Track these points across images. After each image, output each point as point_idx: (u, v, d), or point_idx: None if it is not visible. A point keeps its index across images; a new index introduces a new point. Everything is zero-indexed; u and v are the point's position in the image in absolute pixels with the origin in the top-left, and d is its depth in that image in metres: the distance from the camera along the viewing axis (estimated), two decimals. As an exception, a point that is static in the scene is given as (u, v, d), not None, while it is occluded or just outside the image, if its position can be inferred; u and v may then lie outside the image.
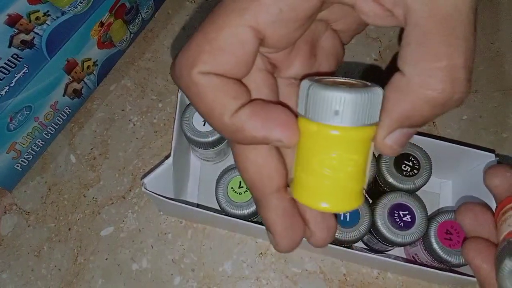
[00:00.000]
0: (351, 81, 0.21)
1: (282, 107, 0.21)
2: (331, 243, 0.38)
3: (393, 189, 0.40)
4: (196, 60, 0.21)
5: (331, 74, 0.24)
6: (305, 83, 0.20)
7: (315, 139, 0.20)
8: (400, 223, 0.38)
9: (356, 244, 0.44)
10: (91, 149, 0.49)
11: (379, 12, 0.20)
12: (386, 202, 0.38)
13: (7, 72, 0.38)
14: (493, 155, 0.39)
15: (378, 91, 0.20)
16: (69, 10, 0.40)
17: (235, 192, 0.38)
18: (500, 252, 0.22)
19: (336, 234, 0.37)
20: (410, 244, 0.39)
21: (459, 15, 0.20)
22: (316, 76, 0.22)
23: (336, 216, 0.23)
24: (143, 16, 0.51)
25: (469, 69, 0.20)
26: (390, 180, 0.39)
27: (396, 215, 0.38)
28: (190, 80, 0.21)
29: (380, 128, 0.21)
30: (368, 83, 0.21)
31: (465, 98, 0.20)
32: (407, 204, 0.38)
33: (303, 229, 0.24)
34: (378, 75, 0.52)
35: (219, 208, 0.39)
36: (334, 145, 0.20)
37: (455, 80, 0.19)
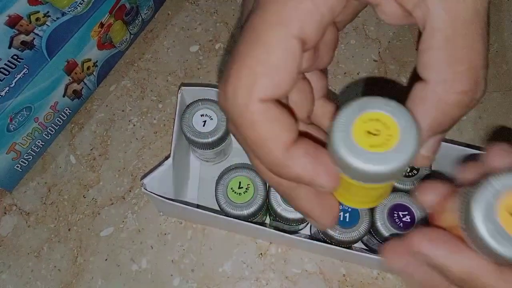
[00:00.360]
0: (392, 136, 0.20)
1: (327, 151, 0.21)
2: (331, 244, 0.38)
3: (393, 189, 0.40)
4: (255, 86, 0.20)
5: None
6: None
7: (356, 188, 0.22)
8: (399, 223, 0.38)
9: (355, 245, 0.44)
10: (91, 149, 0.49)
11: (399, 13, 0.21)
12: (386, 202, 0.38)
13: (7, 73, 0.38)
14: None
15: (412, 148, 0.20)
16: (69, 11, 0.40)
17: (235, 192, 0.38)
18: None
19: (336, 234, 0.37)
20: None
21: (479, 18, 0.19)
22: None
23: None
24: (143, 17, 0.51)
25: (486, 68, 0.20)
26: (390, 180, 0.39)
27: (395, 215, 0.38)
28: (247, 108, 0.20)
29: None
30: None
31: (483, 97, 0.21)
32: (406, 204, 0.38)
33: (336, 203, 0.24)
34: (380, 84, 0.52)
35: (219, 209, 0.39)
36: (363, 189, 0.22)
37: (477, 80, 0.20)
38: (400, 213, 0.38)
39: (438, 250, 0.19)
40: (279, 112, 0.20)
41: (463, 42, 0.19)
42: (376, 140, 0.19)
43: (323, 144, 0.21)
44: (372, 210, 0.38)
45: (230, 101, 0.20)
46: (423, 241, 0.20)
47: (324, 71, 0.26)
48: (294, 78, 0.20)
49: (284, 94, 0.20)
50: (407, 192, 0.39)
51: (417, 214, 0.38)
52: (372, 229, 0.39)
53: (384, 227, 0.38)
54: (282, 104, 0.21)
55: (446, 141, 0.41)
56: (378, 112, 0.20)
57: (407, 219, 0.38)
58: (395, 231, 0.38)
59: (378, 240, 0.39)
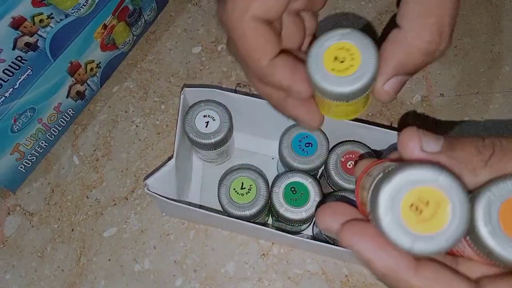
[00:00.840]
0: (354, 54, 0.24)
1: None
2: (333, 244, 0.38)
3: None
4: (249, 6, 0.24)
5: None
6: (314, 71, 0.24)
7: (330, 105, 0.26)
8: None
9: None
10: (94, 150, 0.49)
11: None
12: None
13: (11, 74, 0.38)
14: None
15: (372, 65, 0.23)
16: (72, 13, 0.40)
17: (238, 193, 0.39)
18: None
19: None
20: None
21: None
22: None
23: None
24: (145, 19, 0.51)
25: (453, 27, 0.25)
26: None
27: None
28: (241, 23, 0.25)
29: (379, 76, 0.24)
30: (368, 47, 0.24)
31: (447, 50, 0.25)
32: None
33: (319, 111, 0.28)
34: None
35: (221, 209, 0.39)
36: (336, 106, 0.26)
37: (443, 34, 0.24)
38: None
39: (364, 245, 0.20)
40: (266, 30, 0.25)
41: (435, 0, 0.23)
42: (341, 66, 0.24)
43: None
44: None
45: (229, 16, 0.25)
46: (352, 236, 0.20)
47: (316, 14, 0.30)
48: (283, 5, 0.25)
49: (273, 17, 0.25)
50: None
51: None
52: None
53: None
54: (273, 28, 0.26)
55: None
56: (346, 42, 0.24)
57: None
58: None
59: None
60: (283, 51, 0.26)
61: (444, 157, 0.19)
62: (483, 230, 0.18)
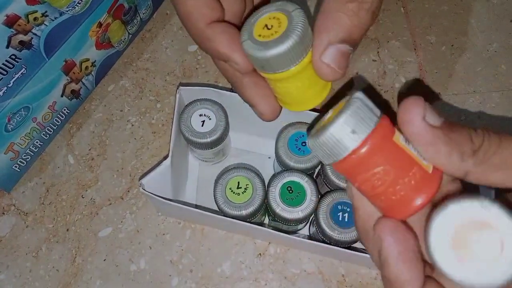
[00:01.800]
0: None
1: None
2: (330, 244, 0.38)
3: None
4: None
5: None
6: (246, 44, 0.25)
7: (274, 85, 0.27)
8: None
9: (354, 245, 0.44)
10: (89, 149, 0.49)
11: None
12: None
13: (5, 73, 0.37)
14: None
15: (297, 32, 0.23)
16: (67, 11, 0.40)
17: (234, 192, 0.38)
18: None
19: (335, 234, 0.37)
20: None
21: None
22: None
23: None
24: (141, 17, 0.51)
25: (374, 8, 0.25)
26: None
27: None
28: None
29: (313, 49, 0.24)
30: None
31: (369, 25, 0.25)
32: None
33: (275, 99, 0.29)
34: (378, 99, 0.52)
35: (217, 209, 0.39)
36: (279, 83, 0.26)
37: (360, 10, 0.24)
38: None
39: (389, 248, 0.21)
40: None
41: None
42: (267, 32, 0.24)
43: None
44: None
45: None
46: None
47: None
48: None
49: None
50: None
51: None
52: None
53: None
54: None
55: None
56: (278, 13, 0.24)
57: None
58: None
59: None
60: (226, 22, 0.27)
61: (441, 133, 0.20)
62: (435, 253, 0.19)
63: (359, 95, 0.21)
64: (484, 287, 0.18)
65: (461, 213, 0.18)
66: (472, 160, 0.19)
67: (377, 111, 0.21)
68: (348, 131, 0.20)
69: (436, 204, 0.20)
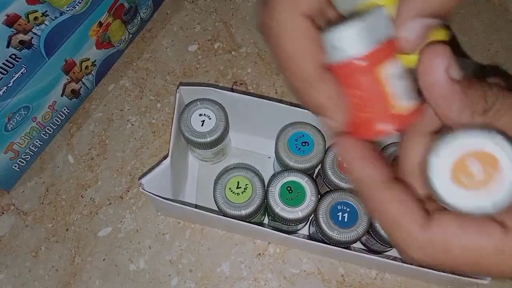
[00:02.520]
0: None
1: None
2: (330, 244, 0.38)
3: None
4: (299, 2, 0.22)
5: None
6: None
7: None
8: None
9: (354, 245, 0.44)
10: (89, 149, 0.49)
11: None
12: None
13: (5, 73, 0.37)
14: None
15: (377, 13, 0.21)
16: (67, 10, 0.40)
17: (233, 192, 0.38)
18: None
19: (335, 234, 0.37)
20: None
21: None
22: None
23: None
24: (141, 16, 0.51)
25: None
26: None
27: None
28: (292, 22, 0.22)
29: (397, 18, 0.21)
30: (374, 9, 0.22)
31: None
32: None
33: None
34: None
35: (217, 209, 0.39)
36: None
37: None
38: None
39: (350, 154, 0.21)
40: (317, 33, 0.22)
41: None
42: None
43: None
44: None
45: (275, 15, 0.22)
46: (342, 143, 0.22)
47: None
48: None
49: (317, 10, 0.22)
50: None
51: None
52: (371, 229, 0.39)
53: (382, 228, 0.38)
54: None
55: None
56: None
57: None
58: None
59: (376, 240, 0.39)
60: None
61: (459, 88, 0.19)
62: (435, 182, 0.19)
63: (379, 12, 0.21)
64: (477, 213, 0.18)
65: (462, 142, 0.19)
66: (481, 118, 0.19)
67: (382, 36, 0.21)
68: (346, 42, 0.21)
69: (438, 134, 0.20)
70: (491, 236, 0.19)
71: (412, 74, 0.22)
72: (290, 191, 0.38)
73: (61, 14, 0.40)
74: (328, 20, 0.24)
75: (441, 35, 0.23)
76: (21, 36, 0.37)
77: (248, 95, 0.41)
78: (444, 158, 0.19)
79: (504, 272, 0.20)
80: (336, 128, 0.23)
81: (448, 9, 0.22)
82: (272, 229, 0.37)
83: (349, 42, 0.20)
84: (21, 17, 0.36)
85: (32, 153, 0.46)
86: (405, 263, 0.38)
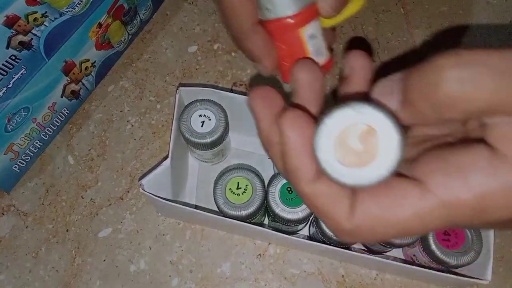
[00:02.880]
0: None
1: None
2: (330, 244, 0.38)
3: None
4: None
5: None
6: None
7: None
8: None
9: (354, 245, 0.44)
10: (89, 150, 0.49)
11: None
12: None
13: (5, 74, 0.37)
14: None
15: None
16: (67, 11, 0.40)
17: (233, 193, 0.38)
18: None
19: (334, 235, 0.37)
20: (408, 245, 0.39)
21: None
22: None
23: None
24: (141, 17, 0.51)
25: None
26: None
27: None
28: None
29: None
30: None
31: None
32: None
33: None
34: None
35: (217, 209, 0.39)
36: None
37: None
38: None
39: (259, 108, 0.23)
40: None
41: None
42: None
43: None
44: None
45: None
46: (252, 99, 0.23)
47: None
48: None
49: None
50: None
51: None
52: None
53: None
54: None
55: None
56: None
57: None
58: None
59: (376, 241, 0.39)
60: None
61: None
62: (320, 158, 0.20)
63: None
64: (358, 187, 0.19)
65: (342, 118, 0.19)
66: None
67: (306, 0, 0.25)
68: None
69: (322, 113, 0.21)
70: (409, 205, 0.20)
71: (327, 34, 0.28)
72: (290, 192, 0.38)
73: (60, 15, 0.40)
74: None
75: (358, 1, 0.28)
76: (20, 37, 0.37)
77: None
78: (326, 135, 0.19)
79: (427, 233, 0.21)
80: (266, 72, 0.28)
81: None
82: (272, 230, 0.37)
83: (279, 4, 0.25)
84: (20, 18, 0.36)
85: (32, 154, 0.46)
86: (405, 263, 0.38)
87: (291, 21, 0.26)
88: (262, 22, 0.27)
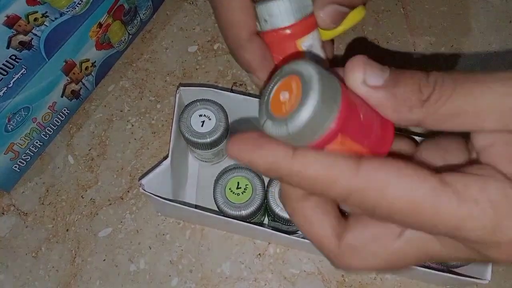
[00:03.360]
0: None
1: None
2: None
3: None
4: None
5: None
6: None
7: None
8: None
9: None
10: (89, 150, 0.49)
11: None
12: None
13: (5, 73, 0.38)
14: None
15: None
16: (67, 11, 0.40)
17: (233, 193, 0.38)
18: None
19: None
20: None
21: None
22: None
23: None
24: (141, 17, 0.51)
25: None
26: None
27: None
28: None
29: (315, 2, 0.26)
30: None
31: None
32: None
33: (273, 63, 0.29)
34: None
35: (217, 209, 0.39)
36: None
37: None
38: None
39: (241, 151, 0.20)
40: (250, 4, 0.27)
41: None
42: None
43: None
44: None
45: None
46: (231, 147, 0.20)
47: None
48: None
49: None
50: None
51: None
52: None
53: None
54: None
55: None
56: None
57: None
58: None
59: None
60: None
61: (384, 92, 0.19)
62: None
63: None
64: (282, 139, 0.19)
65: (279, 76, 0.20)
66: (420, 111, 0.19)
67: (305, 11, 0.26)
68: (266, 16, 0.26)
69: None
70: (386, 243, 0.20)
71: (326, 46, 0.29)
72: (290, 192, 0.38)
73: (61, 15, 0.40)
74: None
75: (359, 12, 0.28)
76: (21, 37, 0.37)
77: (248, 96, 0.41)
78: (266, 95, 0.21)
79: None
80: (258, 85, 0.28)
81: (362, 2, 0.27)
82: (272, 229, 0.38)
83: (277, 14, 0.25)
84: (21, 18, 0.36)
85: (32, 154, 0.46)
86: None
87: (288, 32, 0.26)
88: (260, 33, 0.27)
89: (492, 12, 0.56)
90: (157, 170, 0.39)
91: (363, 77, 0.19)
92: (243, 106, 0.41)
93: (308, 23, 0.26)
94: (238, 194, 0.38)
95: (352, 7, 0.27)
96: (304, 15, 0.26)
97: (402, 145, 0.23)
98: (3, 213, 0.46)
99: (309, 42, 0.27)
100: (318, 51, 0.27)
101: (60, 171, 0.48)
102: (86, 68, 0.47)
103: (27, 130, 0.43)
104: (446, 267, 0.38)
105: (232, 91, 0.50)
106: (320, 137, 0.19)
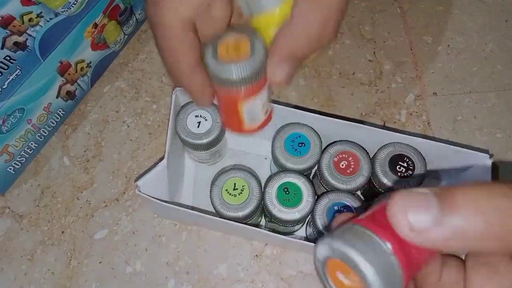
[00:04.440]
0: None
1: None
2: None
3: (388, 190, 0.40)
4: (178, 8, 0.27)
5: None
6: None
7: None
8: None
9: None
10: (85, 151, 0.48)
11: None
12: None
13: (0, 74, 0.37)
14: (487, 155, 0.39)
15: None
16: (62, 12, 0.40)
17: (230, 194, 0.38)
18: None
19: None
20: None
21: None
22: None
23: None
24: (137, 17, 0.51)
25: (338, 22, 0.28)
26: (385, 181, 0.39)
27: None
28: (172, 25, 0.27)
29: (269, 60, 0.28)
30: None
31: (332, 41, 0.28)
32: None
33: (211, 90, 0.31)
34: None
35: (214, 211, 0.39)
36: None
37: (327, 25, 0.27)
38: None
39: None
40: (193, 36, 0.28)
41: None
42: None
43: None
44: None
45: (159, 17, 0.27)
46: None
47: None
48: (204, 4, 0.27)
49: (195, 16, 0.28)
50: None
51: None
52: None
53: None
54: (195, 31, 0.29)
55: (441, 141, 0.41)
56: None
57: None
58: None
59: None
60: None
61: (436, 231, 0.17)
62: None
63: (258, 52, 0.27)
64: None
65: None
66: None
67: (258, 75, 0.27)
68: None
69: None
70: None
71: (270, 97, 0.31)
72: (287, 192, 0.38)
73: (56, 16, 0.39)
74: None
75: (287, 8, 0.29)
76: (15, 38, 0.37)
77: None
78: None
79: None
80: (202, 107, 0.33)
81: (314, 52, 0.28)
82: (269, 231, 0.37)
83: (230, 77, 0.27)
84: (15, 18, 0.36)
85: (27, 156, 0.46)
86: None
87: (234, 94, 0.28)
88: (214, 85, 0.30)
89: (488, 11, 0.56)
90: (153, 171, 0.38)
91: (408, 225, 0.17)
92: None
93: (259, 84, 0.28)
94: (235, 196, 0.38)
95: (305, 59, 0.29)
96: (258, 77, 0.27)
97: (449, 273, 0.21)
98: (-2, 215, 0.46)
99: (251, 106, 0.29)
100: (259, 107, 0.30)
101: (55, 173, 0.47)
102: (82, 69, 0.46)
103: (22, 132, 0.43)
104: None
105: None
106: None
